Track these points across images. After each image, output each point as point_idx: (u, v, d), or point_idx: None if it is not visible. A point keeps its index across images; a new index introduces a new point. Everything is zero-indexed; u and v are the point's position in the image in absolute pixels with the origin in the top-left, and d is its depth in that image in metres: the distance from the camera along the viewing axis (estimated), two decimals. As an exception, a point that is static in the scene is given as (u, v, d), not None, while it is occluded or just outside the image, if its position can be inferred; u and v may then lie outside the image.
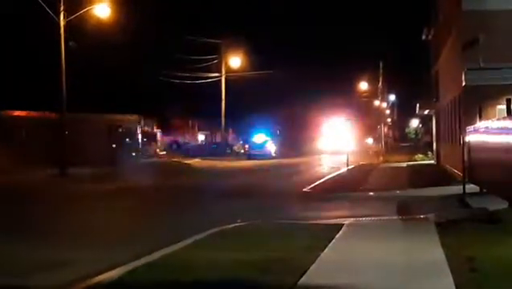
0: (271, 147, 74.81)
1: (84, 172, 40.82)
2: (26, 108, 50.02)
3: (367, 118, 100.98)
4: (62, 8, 41.63)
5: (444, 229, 15.52)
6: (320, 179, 35.54)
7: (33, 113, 50.18)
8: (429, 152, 63.65)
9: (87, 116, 51.38)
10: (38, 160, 42.27)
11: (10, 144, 43.35)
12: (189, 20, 78.72)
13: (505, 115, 19.32)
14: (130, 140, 59.12)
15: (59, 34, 41.56)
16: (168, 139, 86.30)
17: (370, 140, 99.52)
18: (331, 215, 19.77)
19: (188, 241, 14.63)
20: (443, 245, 13.33)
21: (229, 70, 76.60)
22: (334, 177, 38.14)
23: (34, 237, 16.67)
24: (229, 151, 77.02)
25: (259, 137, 75.71)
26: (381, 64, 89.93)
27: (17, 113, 49.66)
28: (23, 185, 34.01)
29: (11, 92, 53.42)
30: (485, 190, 22.75)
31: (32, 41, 53.01)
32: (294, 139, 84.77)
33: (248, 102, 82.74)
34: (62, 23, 41.62)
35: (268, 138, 76.00)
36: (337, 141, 70.82)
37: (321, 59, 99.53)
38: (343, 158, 47.89)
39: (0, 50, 53.27)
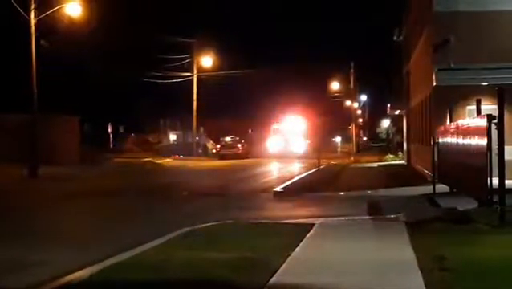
0: (243, 147, 74.83)
1: (55, 171, 40.59)
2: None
3: (338, 118, 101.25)
4: (32, 6, 41.35)
5: (414, 228, 15.62)
6: (291, 179, 35.54)
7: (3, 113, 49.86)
8: (400, 153, 63.98)
9: (57, 117, 51.12)
10: (8, 160, 41.99)
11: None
12: (162, 19, 78.36)
13: (475, 115, 19.46)
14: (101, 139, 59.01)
15: (30, 33, 41.29)
16: (139, 138, 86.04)
17: (338, 139, 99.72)
18: (301, 215, 19.81)
19: (160, 240, 14.62)
20: (413, 244, 13.42)
21: (202, 69, 76.52)
22: (304, 177, 38.17)
23: (4, 238, 16.54)
24: (200, 150, 76.84)
25: (231, 137, 75.73)
26: (352, 64, 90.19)
27: None
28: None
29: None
30: (455, 190, 22.90)
31: (2, 40, 52.64)
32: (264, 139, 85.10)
33: (220, 102, 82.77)
34: (33, 22, 41.34)
35: (238, 138, 76.14)
36: (288, 143, 70.29)
37: (293, 59, 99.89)
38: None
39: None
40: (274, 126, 75.71)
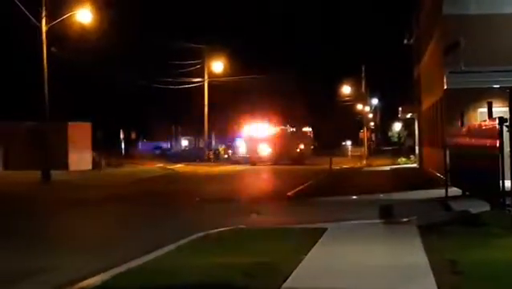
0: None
1: (67, 177, 40.72)
2: (10, 116, 49.83)
3: (348, 122, 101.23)
4: (43, 13, 41.50)
5: (426, 232, 15.57)
6: (303, 184, 35.51)
7: (17, 121, 50.02)
8: (412, 156, 63.83)
9: (69, 123, 51.23)
10: (21, 166, 42.17)
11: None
12: (172, 25, 78.53)
13: (487, 118, 19.42)
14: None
15: (41, 40, 41.44)
16: (151, 144, 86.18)
17: (348, 143, 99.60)
18: (314, 219, 19.78)
19: (172, 246, 14.62)
20: (425, 248, 13.39)
21: (212, 75, 76.53)
22: (317, 181, 38.13)
23: (16, 244, 16.58)
24: (211, 156, 76.64)
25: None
26: (363, 68, 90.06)
27: (1, 121, 49.42)
28: (7, 190, 33.84)
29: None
30: (467, 193, 22.85)
31: (14, 47, 52.83)
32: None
33: (233, 107, 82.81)
34: (44, 29, 41.49)
35: None
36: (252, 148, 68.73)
37: (304, 63, 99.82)
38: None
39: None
40: (243, 131, 73.89)
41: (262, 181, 42.61)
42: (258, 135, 67.84)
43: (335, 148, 65.52)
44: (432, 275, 10.90)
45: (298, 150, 69.04)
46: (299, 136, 72.10)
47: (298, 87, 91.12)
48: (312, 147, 75.73)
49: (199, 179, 45.59)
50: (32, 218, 22.79)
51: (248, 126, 70.30)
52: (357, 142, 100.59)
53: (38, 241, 17.05)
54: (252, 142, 67.96)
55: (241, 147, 71.25)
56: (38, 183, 38.68)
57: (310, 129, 76.44)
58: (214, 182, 41.19)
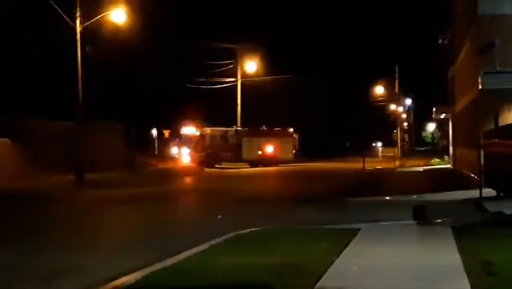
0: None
1: (101, 177, 40.94)
2: (44, 115, 50.16)
3: (381, 122, 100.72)
4: (78, 14, 41.76)
5: (460, 233, 15.46)
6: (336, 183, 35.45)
7: (51, 121, 50.34)
8: (446, 156, 63.47)
9: (103, 123, 51.53)
10: (56, 167, 42.46)
11: (29, 151, 43.51)
12: (205, 26, 78.66)
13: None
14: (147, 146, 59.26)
15: (76, 41, 41.72)
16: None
17: (379, 144, 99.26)
18: (346, 220, 19.69)
19: (204, 246, 14.63)
20: (459, 249, 13.29)
21: (245, 75, 76.56)
22: (348, 181, 38.02)
23: (50, 242, 16.68)
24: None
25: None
26: (397, 68, 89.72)
27: (36, 121, 49.76)
28: (41, 190, 34.10)
29: (29, 100, 53.56)
30: (501, 194, 22.66)
31: (49, 48, 53.18)
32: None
33: (266, 107, 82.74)
34: (78, 29, 41.75)
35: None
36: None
37: (337, 64, 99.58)
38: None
39: (16, 58, 53.44)
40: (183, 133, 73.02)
41: (290, 180, 42.52)
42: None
43: (365, 150, 64.80)
44: (466, 276, 10.81)
45: (261, 152, 66.94)
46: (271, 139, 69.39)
47: (329, 88, 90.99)
48: (294, 150, 72.70)
49: (231, 179, 45.65)
50: (67, 217, 22.96)
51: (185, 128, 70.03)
52: (389, 143, 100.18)
53: (74, 240, 17.18)
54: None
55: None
56: (72, 183, 38.93)
57: (291, 130, 73.93)
58: (246, 182, 41.18)
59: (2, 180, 37.21)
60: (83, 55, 42.21)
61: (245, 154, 66.02)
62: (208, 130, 68.33)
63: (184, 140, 68.83)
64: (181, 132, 71.52)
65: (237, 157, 65.91)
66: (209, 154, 64.91)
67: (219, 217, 21.83)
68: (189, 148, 65.44)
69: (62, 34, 43.29)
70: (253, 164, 63.54)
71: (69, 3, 41.52)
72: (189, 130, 70.11)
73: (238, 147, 66.14)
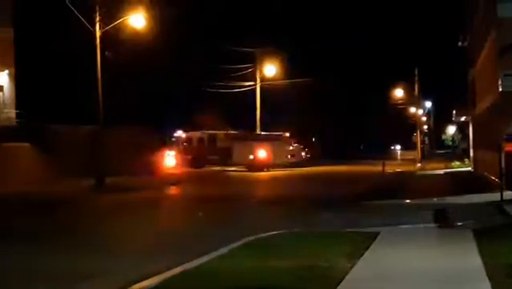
0: (306, 154, 74.70)
1: (121, 181, 40.99)
2: (64, 120, 50.36)
3: (398, 125, 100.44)
4: (97, 18, 41.87)
5: (481, 236, 15.41)
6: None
7: (72, 125, 50.50)
8: (466, 159, 63.20)
9: (123, 127, 51.63)
10: (77, 171, 42.58)
11: (50, 156, 43.70)
12: (225, 29, 78.73)
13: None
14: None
15: (95, 45, 41.84)
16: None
17: (398, 147, 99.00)
18: (367, 223, 19.66)
19: (224, 249, 14.66)
20: (481, 252, 13.25)
21: (265, 78, 76.55)
22: (369, 184, 37.94)
23: (74, 247, 16.74)
24: None
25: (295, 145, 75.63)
26: (416, 71, 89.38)
27: (57, 125, 49.96)
28: (62, 195, 34.21)
29: (49, 105, 53.84)
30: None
31: (69, 53, 53.42)
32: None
33: (284, 110, 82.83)
34: (98, 34, 41.88)
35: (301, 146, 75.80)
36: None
37: (356, 67, 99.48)
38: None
39: (38, 62, 53.77)
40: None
41: (314, 183, 42.46)
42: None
43: (383, 153, 64.16)
44: (487, 279, 10.79)
45: (253, 157, 65.71)
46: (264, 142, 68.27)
47: (347, 90, 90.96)
48: (289, 155, 71.67)
49: (253, 182, 45.68)
50: (89, 223, 23.07)
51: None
52: (408, 146, 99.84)
53: (96, 244, 17.27)
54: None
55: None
56: (92, 187, 38.98)
57: (287, 134, 72.99)
58: (266, 185, 41.17)
59: (23, 184, 37.38)
60: (102, 60, 42.30)
61: (236, 158, 65.69)
62: (197, 133, 68.35)
63: (175, 143, 68.42)
64: (174, 135, 71.20)
65: (226, 161, 65.65)
66: (195, 157, 64.96)
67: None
68: (177, 150, 64.89)
69: (82, 39, 43.43)
70: (250, 168, 62.83)
71: (88, 9, 41.62)
72: (179, 133, 69.84)
73: (227, 150, 65.97)
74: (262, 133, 71.25)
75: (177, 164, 57.86)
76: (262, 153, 63.68)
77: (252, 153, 63.64)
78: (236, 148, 65.45)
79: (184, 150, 66.08)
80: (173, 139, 69.29)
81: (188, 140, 67.90)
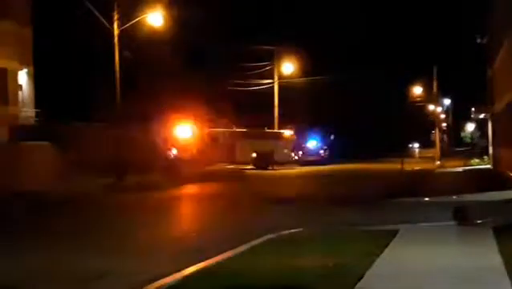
0: (324, 153, 74.63)
1: (140, 179, 41.04)
2: (83, 119, 50.48)
3: (417, 123, 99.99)
4: (116, 17, 41.95)
5: (501, 234, 15.33)
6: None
7: (91, 123, 50.61)
8: (485, 157, 62.95)
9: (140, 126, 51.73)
10: (97, 169, 42.65)
11: (69, 154, 43.80)
12: (241, 27, 78.69)
13: None
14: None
15: (113, 44, 41.92)
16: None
17: (416, 145, 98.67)
18: (385, 221, 19.61)
19: (245, 247, 14.66)
20: (501, 250, 13.19)
21: (283, 76, 76.54)
22: (387, 182, 37.84)
23: (90, 245, 16.75)
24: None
25: (312, 143, 75.60)
26: (435, 69, 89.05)
27: (76, 124, 50.06)
28: (83, 193, 34.29)
29: (67, 103, 53.94)
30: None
31: (88, 51, 53.53)
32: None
33: (301, 108, 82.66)
34: (116, 32, 41.96)
35: (320, 144, 75.79)
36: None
37: (374, 64, 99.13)
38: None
39: (56, 60, 53.88)
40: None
41: (328, 181, 42.42)
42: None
43: (401, 151, 63.87)
44: (507, 278, 10.73)
45: (255, 155, 65.52)
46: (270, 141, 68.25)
47: (367, 88, 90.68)
48: (292, 152, 71.32)
49: (273, 180, 45.68)
50: (106, 222, 23.13)
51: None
52: (426, 144, 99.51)
53: (114, 243, 17.33)
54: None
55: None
56: (112, 185, 39.04)
57: (290, 132, 72.83)
58: (283, 184, 41.12)
59: (43, 183, 37.48)
60: (120, 58, 42.40)
61: (239, 155, 65.80)
62: (198, 130, 68.30)
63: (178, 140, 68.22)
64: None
65: (229, 158, 65.65)
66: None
67: None
68: (178, 148, 64.58)
69: (100, 37, 43.52)
70: (254, 165, 62.72)
71: (107, 7, 41.73)
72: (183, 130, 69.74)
73: (231, 148, 66.00)
74: (267, 130, 71.30)
75: (189, 162, 58.00)
76: (262, 151, 63.92)
77: (254, 151, 63.88)
78: (238, 146, 65.67)
79: (186, 147, 65.96)
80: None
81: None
